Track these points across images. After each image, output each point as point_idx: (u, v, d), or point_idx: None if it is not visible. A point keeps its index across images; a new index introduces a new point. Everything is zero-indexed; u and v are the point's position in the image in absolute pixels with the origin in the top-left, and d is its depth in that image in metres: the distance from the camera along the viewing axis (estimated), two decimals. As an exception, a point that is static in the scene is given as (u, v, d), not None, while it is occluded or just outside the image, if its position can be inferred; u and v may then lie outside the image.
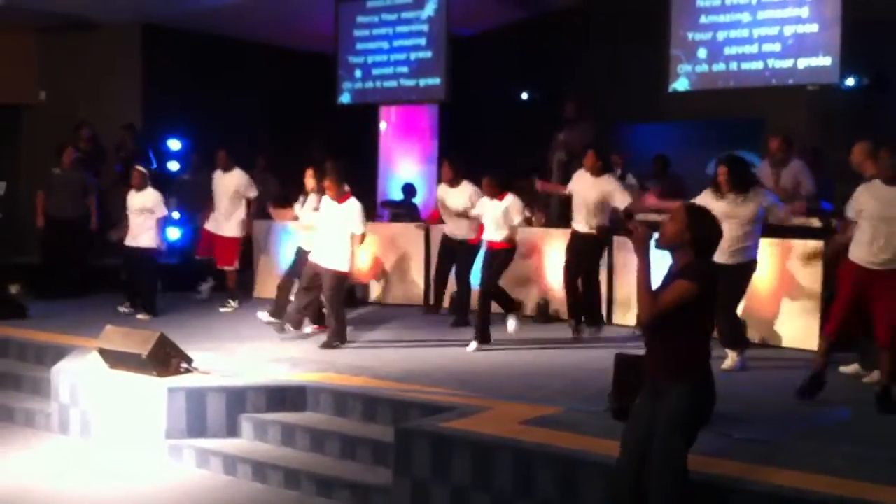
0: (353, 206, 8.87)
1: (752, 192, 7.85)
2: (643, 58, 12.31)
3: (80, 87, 14.31)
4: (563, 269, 9.32)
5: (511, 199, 9.06)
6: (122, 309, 10.42)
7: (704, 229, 4.62)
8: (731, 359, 7.90)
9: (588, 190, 9.11)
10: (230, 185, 11.16)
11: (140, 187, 10.57)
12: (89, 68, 14.27)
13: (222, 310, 10.99)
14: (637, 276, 4.57)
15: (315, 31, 14.11)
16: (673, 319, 4.48)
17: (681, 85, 11.39)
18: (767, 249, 8.78)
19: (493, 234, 9.12)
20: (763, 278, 8.83)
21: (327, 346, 8.72)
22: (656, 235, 4.72)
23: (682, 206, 4.77)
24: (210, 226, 11.34)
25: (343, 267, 8.78)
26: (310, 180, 9.61)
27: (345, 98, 13.70)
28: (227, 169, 11.19)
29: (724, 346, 7.84)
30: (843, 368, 7.63)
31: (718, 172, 7.94)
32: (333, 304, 8.80)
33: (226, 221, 11.19)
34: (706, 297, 4.53)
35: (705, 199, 7.77)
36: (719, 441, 5.58)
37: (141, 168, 10.75)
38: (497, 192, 9.09)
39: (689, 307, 4.47)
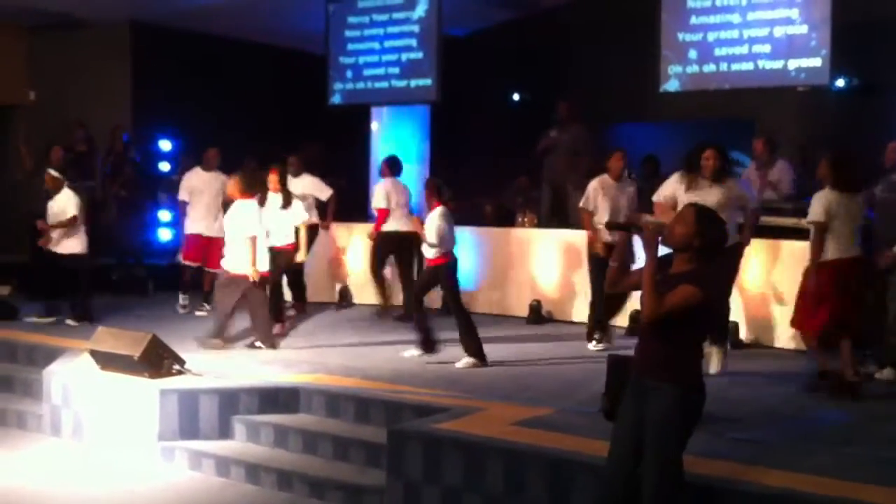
0: (239, 208, 8.69)
1: (728, 181, 7.64)
2: (634, 58, 12.35)
3: (70, 87, 14.28)
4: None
5: (439, 210, 8.36)
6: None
7: (713, 234, 4.56)
8: (716, 360, 7.60)
9: (619, 196, 8.91)
10: (216, 184, 10.98)
11: (55, 191, 9.96)
12: (79, 68, 14.25)
13: (199, 314, 10.72)
14: (644, 274, 4.50)
15: (306, 31, 14.11)
16: (674, 321, 4.44)
17: (671, 86, 11.41)
18: (757, 250, 8.82)
19: (429, 249, 8.37)
20: (753, 279, 8.88)
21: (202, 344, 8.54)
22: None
23: (691, 209, 4.65)
24: (199, 228, 10.88)
25: (236, 269, 8.60)
26: (273, 177, 9.48)
27: (336, 99, 13.68)
28: (211, 169, 11.03)
29: (710, 342, 7.46)
30: (878, 375, 7.50)
31: (705, 156, 7.52)
32: (220, 307, 8.72)
33: (216, 223, 10.95)
34: (711, 302, 4.49)
35: (674, 187, 7.68)
36: (710, 441, 5.60)
37: (53, 172, 10.13)
38: (433, 201, 8.46)
39: (692, 311, 4.42)
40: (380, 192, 10.67)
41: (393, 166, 10.91)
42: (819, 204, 7.11)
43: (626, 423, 4.62)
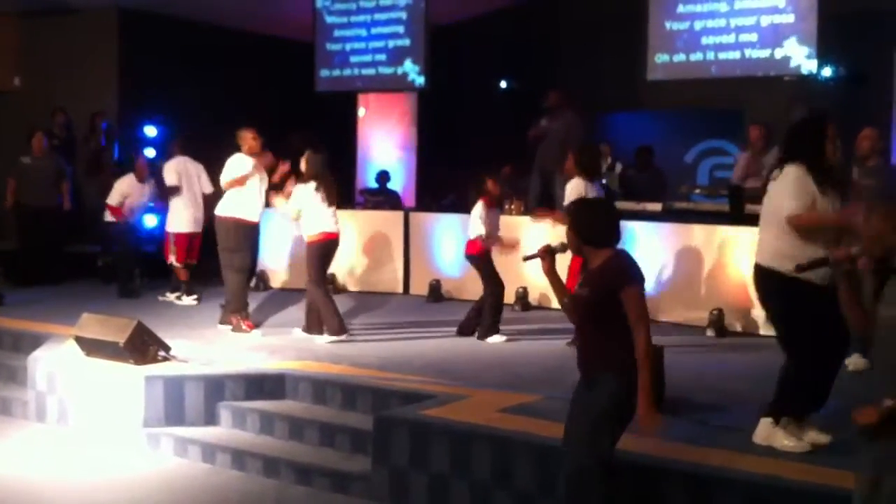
0: None
1: None
2: (624, 47, 12.36)
3: (55, 73, 14.20)
4: None
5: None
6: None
7: (585, 223, 4.61)
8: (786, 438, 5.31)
9: None
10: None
11: None
12: (65, 54, 14.16)
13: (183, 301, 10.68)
14: (558, 300, 4.80)
15: (293, 18, 14.05)
16: (602, 313, 4.48)
17: (658, 74, 11.42)
18: (745, 238, 8.84)
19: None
20: (740, 266, 8.89)
21: None
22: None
23: (567, 211, 4.82)
24: (194, 224, 10.72)
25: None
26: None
27: (322, 86, 13.64)
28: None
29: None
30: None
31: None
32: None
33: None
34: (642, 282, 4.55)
35: None
36: (695, 429, 5.63)
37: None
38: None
39: (620, 300, 4.45)
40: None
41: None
42: (575, 192, 8.04)
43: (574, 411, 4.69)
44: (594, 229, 4.60)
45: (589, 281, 4.59)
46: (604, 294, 4.47)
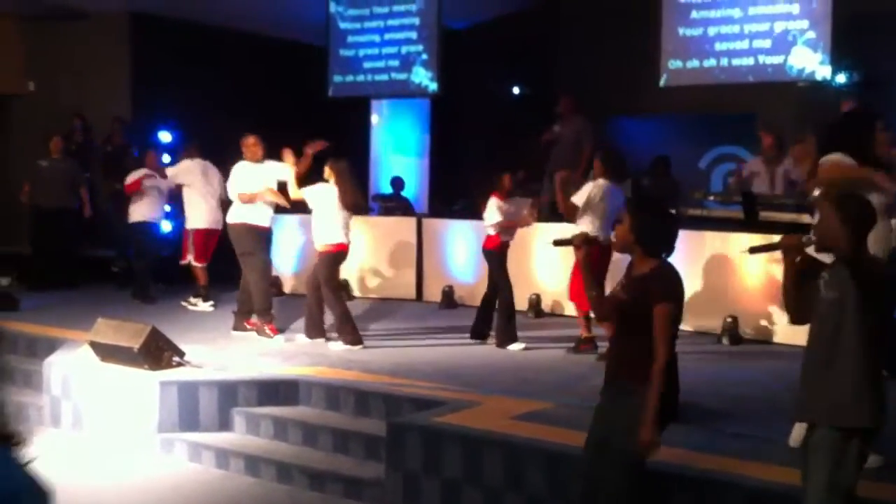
0: None
1: None
2: (634, 52, 12.35)
3: (68, 78, 14.27)
4: None
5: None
6: None
7: (646, 227, 4.40)
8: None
9: None
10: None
11: None
12: (78, 58, 14.22)
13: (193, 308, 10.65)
14: (587, 294, 4.67)
15: (306, 22, 14.09)
16: (640, 322, 4.35)
17: (671, 80, 11.41)
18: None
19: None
20: (753, 274, 8.88)
21: None
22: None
23: (627, 207, 4.60)
24: (213, 222, 10.63)
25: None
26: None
27: (335, 91, 13.67)
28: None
29: None
30: None
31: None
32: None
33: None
34: (681, 298, 4.42)
35: None
36: (709, 436, 5.63)
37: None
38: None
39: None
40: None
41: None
42: (586, 191, 8.16)
43: (599, 422, 4.59)
44: (655, 234, 4.42)
45: (630, 288, 4.43)
46: (641, 304, 4.33)
